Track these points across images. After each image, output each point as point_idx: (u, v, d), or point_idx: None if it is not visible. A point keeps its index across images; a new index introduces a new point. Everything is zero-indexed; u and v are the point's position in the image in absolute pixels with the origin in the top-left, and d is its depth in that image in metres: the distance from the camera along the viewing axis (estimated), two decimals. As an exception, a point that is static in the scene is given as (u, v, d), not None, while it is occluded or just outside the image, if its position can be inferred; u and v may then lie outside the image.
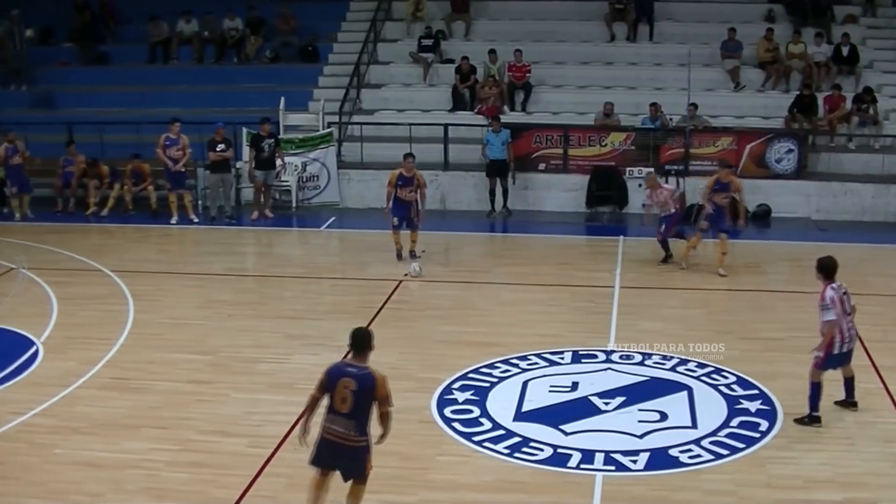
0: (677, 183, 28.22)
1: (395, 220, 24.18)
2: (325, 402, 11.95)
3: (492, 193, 29.57)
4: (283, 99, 32.06)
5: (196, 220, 28.53)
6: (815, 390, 15.51)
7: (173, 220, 28.37)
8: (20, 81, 36.08)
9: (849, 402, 16.00)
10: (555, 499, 13.32)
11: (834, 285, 15.50)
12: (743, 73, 33.42)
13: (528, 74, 33.26)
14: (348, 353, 12.35)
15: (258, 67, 36.36)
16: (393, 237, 24.40)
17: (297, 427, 12.37)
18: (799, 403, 15.94)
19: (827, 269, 15.63)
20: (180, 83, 35.37)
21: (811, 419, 15.51)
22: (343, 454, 11.86)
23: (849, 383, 16.04)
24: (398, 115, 32.82)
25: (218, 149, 28.54)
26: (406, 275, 22.86)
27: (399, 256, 24.31)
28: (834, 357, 15.54)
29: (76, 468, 14.03)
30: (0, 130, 29.60)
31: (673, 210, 24.42)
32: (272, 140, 29.23)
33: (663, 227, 24.36)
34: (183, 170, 28.81)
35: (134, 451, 14.51)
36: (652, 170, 27.70)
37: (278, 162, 29.36)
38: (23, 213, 29.31)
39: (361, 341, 12.26)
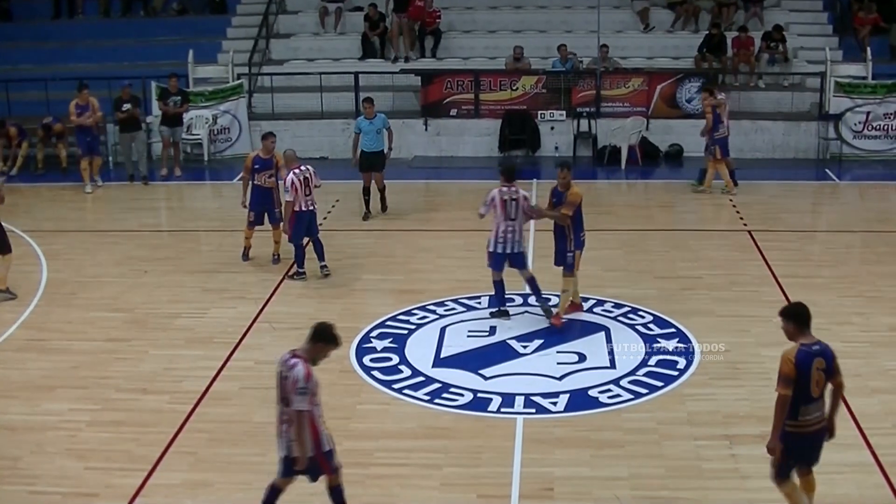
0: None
1: (252, 214, 20.66)
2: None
3: (366, 192, 24.07)
4: (191, 51, 31.69)
5: (100, 183, 27.45)
6: (498, 287, 17.61)
7: (88, 189, 27.15)
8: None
9: (545, 308, 17.44)
10: (477, 443, 13.40)
11: (503, 188, 17.18)
12: (652, 14, 33.54)
13: (437, 20, 33.13)
14: None
15: (165, 20, 36.01)
16: (245, 233, 20.99)
17: (771, 443, 10.96)
18: (716, 341, 16.16)
19: (508, 171, 17.56)
20: (87, 38, 34.82)
21: (500, 313, 17.65)
22: (821, 442, 11.06)
23: (532, 284, 17.51)
24: (308, 65, 32.68)
25: (123, 108, 27.84)
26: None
27: (245, 256, 20.99)
28: (496, 256, 17.33)
29: (-5, 432, 13.93)
30: None
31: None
32: (178, 97, 28.89)
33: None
34: (97, 133, 27.97)
35: (54, 413, 14.43)
36: None
37: (186, 118, 29.13)
38: None
39: (801, 313, 10.94)
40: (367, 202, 24.07)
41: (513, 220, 17.08)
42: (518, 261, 17.45)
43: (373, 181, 23.87)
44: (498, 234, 17.15)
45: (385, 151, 23.95)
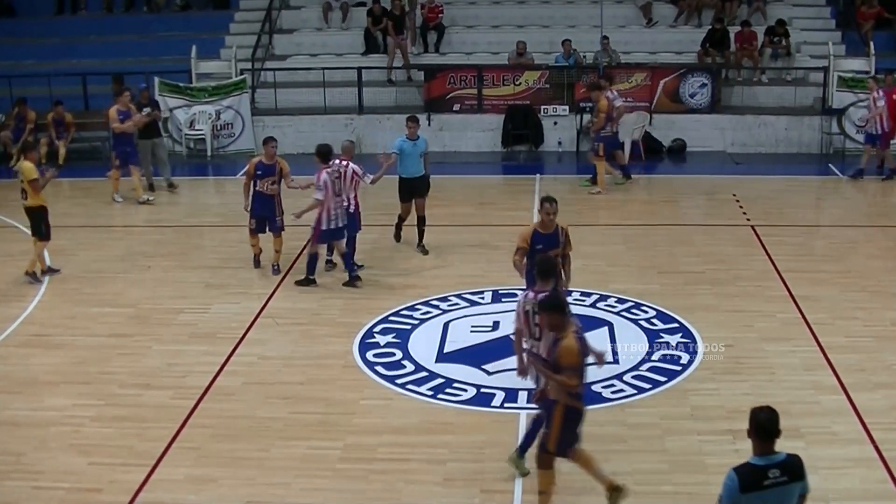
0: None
1: (253, 221, 20.00)
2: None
3: (402, 220, 21.66)
4: (194, 47, 31.63)
5: (151, 198, 25.73)
6: (313, 259, 18.99)
7: (119, 200, 25.70)
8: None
9: (353, 278, 18.91)
10: (480, 438, 13.39)
11: (329, 170, 18.53)
12: (655, 9, 33.51)
13: (440, 15, 33.14)
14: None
15: (168, 15, 35.99)
16: (249, 240, 20.33)
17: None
18: (719, 336, 16.17)
19: (324, 154, 18.69)
20: (90, 34, 34.87)
21: (308, 281, 18.90)
22: None
23: (346, 259, 19.08)
24: (311, 60, 32.59)
25: (144, 112, 26.60)
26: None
27: (256, 263, 20.29)
28: (325, 232, 18.65)
29: (-2, 428, 13.93)
30: None
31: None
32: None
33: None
34: (136, 143, 26.46)
35: (57, 408, 14.42)
36: None
37: (189, 113, 29.02)
38: None
39: (564, 302, 11.72)
40: (400, 229, 21.77)
41: (339, 197, 18.71)
42: (340, 233, 18.89)
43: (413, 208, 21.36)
44: (330, 212, 18.52)
45: (427, 175, 21.56)
